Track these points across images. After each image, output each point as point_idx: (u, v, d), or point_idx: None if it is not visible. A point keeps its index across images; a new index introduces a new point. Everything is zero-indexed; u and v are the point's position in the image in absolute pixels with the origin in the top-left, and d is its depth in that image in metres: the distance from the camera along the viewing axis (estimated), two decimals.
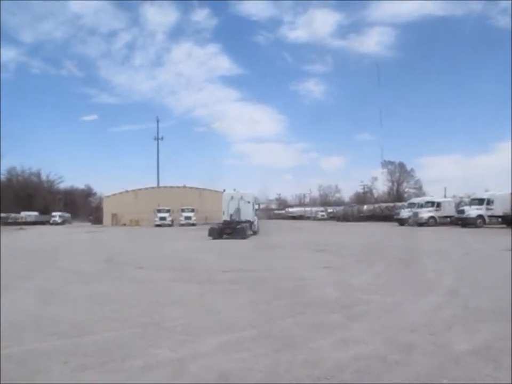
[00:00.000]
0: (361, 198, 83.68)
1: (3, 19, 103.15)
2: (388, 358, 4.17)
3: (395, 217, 43.57)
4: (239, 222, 25.79)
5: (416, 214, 38.61)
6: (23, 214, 76.01)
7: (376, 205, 60.28)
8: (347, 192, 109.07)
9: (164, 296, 7.67)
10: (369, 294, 7.32)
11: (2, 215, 69.08)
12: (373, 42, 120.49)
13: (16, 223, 69.13)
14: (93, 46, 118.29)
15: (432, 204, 39.35)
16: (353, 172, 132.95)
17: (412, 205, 42.20)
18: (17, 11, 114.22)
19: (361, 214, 58.82)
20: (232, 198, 27.65)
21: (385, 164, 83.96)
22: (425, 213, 38.32)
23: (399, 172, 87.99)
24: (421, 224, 36.97)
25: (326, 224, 51.48)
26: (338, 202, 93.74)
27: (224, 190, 30.34)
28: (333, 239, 23.63)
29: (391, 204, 56.28)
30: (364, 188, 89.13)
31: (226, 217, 26.99)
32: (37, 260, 14.67)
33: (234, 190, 28.87)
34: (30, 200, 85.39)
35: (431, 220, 37.56)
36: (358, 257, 13.52)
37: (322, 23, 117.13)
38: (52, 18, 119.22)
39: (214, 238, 23.48)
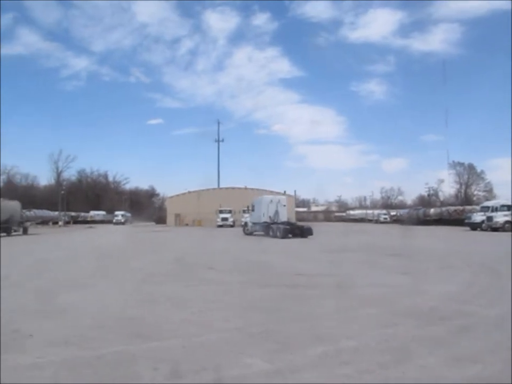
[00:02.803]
0: (426, 201, 79.89)
1: (75, 31, 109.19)
2: None
3: (466, 221, 41.11)
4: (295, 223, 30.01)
5: (490, 218, 36.20)
6: (92, 213, 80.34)
7: (444, 208, 57.37)
8: (410, 194, 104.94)
9: (240, 298, 7.41)
10: (466, 305, 6.64)
11: (73, 214, 73.34)
12: (438, 39, 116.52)
13: (85, 221, 73.24)
14: (158, 53, 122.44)
15: (508, 207, 36.62)
16: (416, 174, 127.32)
17: (485, 209, 39.58)
18: (88, 23, 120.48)
19: (428, 218, 56.29)
20: (271, 201, 30.01)
21: (454, 165, 79.94)
22: (500, 217, 35.74)
23: (468, 174, 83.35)
24: (496, 229, 34.64)
25: (391, 228, 49.61)
26: (400, 205, 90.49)
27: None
28: (403, 243, 22.57)
29: (460, 208, 53.32)
30: (429, 190, 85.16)
31: (266, 219, 29.12)
32: (109, 260, 15.00)
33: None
34: (98, 200, 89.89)
35: (507, 225, 34.98)
36: (437, 263, 12.61)
37: (384, 22, 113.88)
38: (120, 29, 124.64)
39: (283, 238, 25.14)
